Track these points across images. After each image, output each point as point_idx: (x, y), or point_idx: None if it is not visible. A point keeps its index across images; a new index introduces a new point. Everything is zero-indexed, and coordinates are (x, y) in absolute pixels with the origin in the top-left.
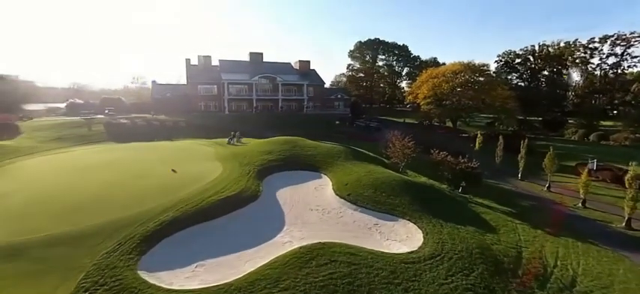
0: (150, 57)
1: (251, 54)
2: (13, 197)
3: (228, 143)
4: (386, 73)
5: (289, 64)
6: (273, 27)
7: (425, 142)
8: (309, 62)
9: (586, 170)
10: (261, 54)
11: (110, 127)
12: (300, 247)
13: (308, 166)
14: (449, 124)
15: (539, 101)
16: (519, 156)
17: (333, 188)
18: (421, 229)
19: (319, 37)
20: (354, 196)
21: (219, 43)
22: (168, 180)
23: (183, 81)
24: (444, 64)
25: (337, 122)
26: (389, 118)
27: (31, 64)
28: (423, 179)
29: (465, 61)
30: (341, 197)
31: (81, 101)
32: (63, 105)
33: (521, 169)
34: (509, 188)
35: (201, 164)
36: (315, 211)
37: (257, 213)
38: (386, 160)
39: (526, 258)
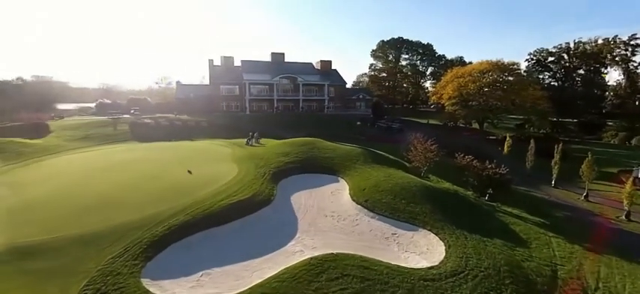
0: (176, 58)
1: (273, 54)
2: (27, 197)
3: (247, 144)
4: (409, 73)
5: (310, 64)
6: (296, 28)
7: (449, 145)
8: (330, 62)
9: (631, 178)
10: (283, 54)
11: (134, 127)
12: (311, 258)
13: (325, 168)
14: (475, 125)
15: (574, 102)
16: (553, 161)
17: (349, 193)
18: (443, 241)
19: (342, 38)
20: (372, 202)
21: (242, 44)
22: (183, 182)
23: (207, 82)
24: (470, 63)
25: (358, 123)
26: (412, 119)
27: (65, 66)
28: (447, 185)
29: (494, 59)
30: (358, 203)
31: (109, 101)
32: (93, 105)
33: (554, 175)
34: (541, 196)
35: (217, 166)
36: (330, 218)
37: (269, 218)
38: (407, 164)
39: (562, 278)
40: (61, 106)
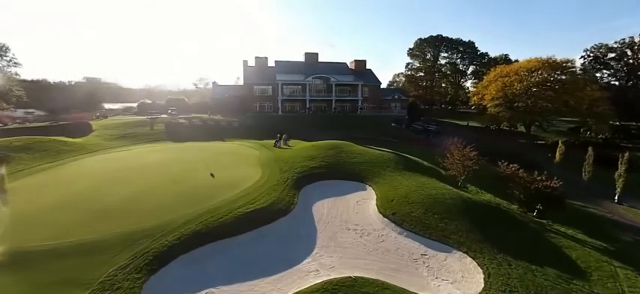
0: (216, 59)
1: (306, 54)
2: (47, 199)
3: (274, 146)
4: (448, 72)
5: (344, 64)
6: (331, 27)
7: (491, 150)
8: (364, 62)
9: None
10: (316, 54)
11: (170, 127)
12: (325, 282)
13: (352, 175)
14: (521, 129)
15: None
16: (617, 173)
17: (376, 204)
18: (481, 268)
19: (378, 37)
20: (400, 215)
21: (277, 44)
22: (203, 186)
23: (241, 82)
24: (516, 61)
25: (392, 124)
26: (450, 121)
27: (114, 69)
28: (487, 197)
29: (544, 56)
30: (384, 216)
31: (149, 101)
32: (135, 105)
33: (618, 189)
34: (602, 214)
35: (240, 169)
36: (353, 232)
37: (287, 230)
38: (442, 172)
39: None
40: (108, 106)
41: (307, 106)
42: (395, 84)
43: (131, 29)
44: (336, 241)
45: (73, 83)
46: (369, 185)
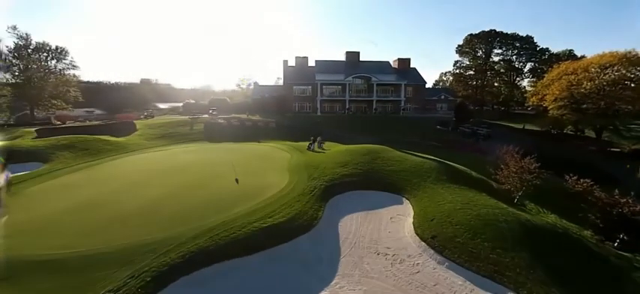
0: (261, 60)
1: (347, 53)
2: (69, 202)
3: (308, 149)
4: (502, 70)
5: (387, 62)
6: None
7: (553, 159)
8: (408, 60)
9: None
10: (358, 53)
11: (208, 127)
12: None
13: (387, 185)
14: (589, 133)
15: None
16: None
17: (413, 223)
18: None
19: (424, 34)
20: (442, 239)
21: (320, 43)
22: (225, 193)
23: (282, 82)
24: (582, 57)
25: (438, 127)
26: (503, 124)
27: (169, 70)
28: (551, 219)
29: (621, 50)
30: (423, 239)
31: (193, 101)
32: (181, 104)
33: None
34: None
35: (267, 175)
36: (383, 257)
37: (306, 251)
38: (494, 184)
39: None
40: (161, 106)
41: (347, 106)
42: (441, 83)
43: (185, 33)
44: (362, 269)
45: (125, 84)
46: (407, 198)
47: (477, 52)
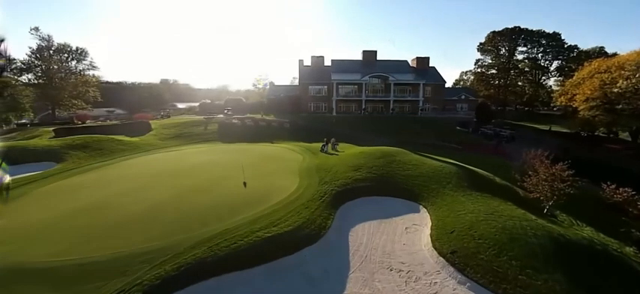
0: (278, 60)
1: (364, 52)
2: (72, 205)
3: (321, 151)
4: (526, 69)
5: (405, 61)
6: (396, 22)
7: (585, 164)
8: (427, 59)
9: None
10: (375, 52)
11: (222, 127)
12: None
13: (403, 191)
14: (623, 136)
15: None
16: None
17: (430, 235)
18: None
19: (444, 32)
20: (463, 256)
21: (337, 43)
22: (231, 197)
23: (297, 82)
24: (614, 54)
25: (457, 128)
26: (527, 125)
27: (188, 70)
28: (587, 232)
29: None
30: (441, 254)
31: (209, 101)
32: (197, 104)
33: None
34: None
35: (277, 178)
36: (397, 274)
37: (312, 264)
38: (521, 192)
39: None
40: (180, 105)
41: (363, 106)
42: (461, 83)
43: (204, 33)
44: (373, 288)
45: (144, 85)
46: (424, 206)
47: (500, 50)
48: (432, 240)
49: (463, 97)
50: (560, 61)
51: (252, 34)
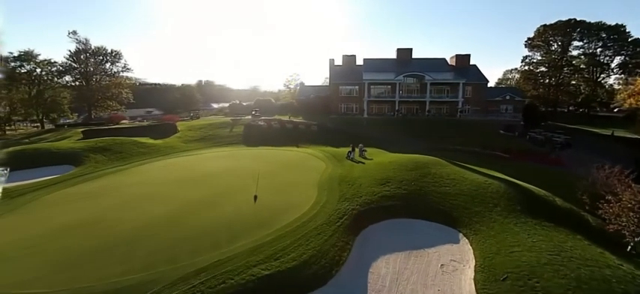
0: (312, 59)
1: (398, 50)
2: (65, 217)
3: (347, 158)
4: (582, 66)
5: (443, 59)
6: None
7: None
8: (468, 57)
9: None
10: (410, 50)
11: (248, 129)
12: None
13: (439, 213)
14: None
15: None
16: None
17: (474, 280)
18: None
19: (487, 27)
20: None
21: (372, 41)
22: (236, 216)
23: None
24: None
25: (501, 132)
26: (583, 129)
27: (227, 71)
28: None
29: None
30: None
31: (237, 101)
32: (227, 105)
33: None
34: None
35: (293, 191)
36: None
37: None
38: (591, 219)
39: None
40: (215, 106)
41: (396, 108)
42: (505, 82)
43: (240, 33)
44: None
45: (179, 86)
46: (464, 235)
47: (552, 45)
48: (476, 288)
49: (508, 97)
50: (623, 57)
51: (287, 32)
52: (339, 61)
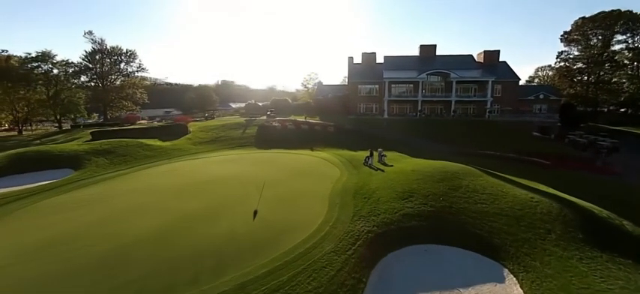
0: (330, 59)
1: (421, 47)
2: (41, 233)
3: (365, 164)
4: (626, 62)
5: (470, 56)
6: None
7: None
8: (497, 53)
9: None
10: (434, 47)
11: (261, 131)
12: None
13: (475, 239)
14: None
15: None
16: None
17: None
18: None
19: (517, 20)
20: None
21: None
22: (225, 238)
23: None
24: None
25: (535, 134)
26: (630, 131)
27: (247, 70)
28: None
29: None
30: None
31: (253, 101)
32: (243, 105)
33: None
34: None
35: (300, 205)
36: None
37: None
38: None
39: None
40: (233, 105)
41: (419, 108)
42: (537, 80)
43: (260, 34)
44: None
45: (196, 86)
46: (511, 272)
47: (591, 39)
48: None
49: (541, 96)
50: None
51: (307, 32)
52: (358, 60)
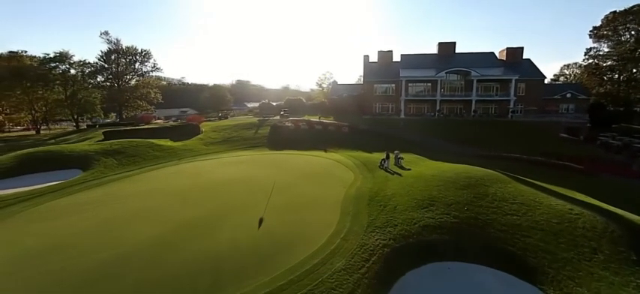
0: (345, 58)
1: (440, 45)
2: (32, 240)
3: (380, 167)
4: None
5: (492, 53)
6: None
7: None
8: (520, 50)
9: None
10: (453, 44)
11: (274, 131)
12: None
13: (507, 257)
14: None
15: None
16: None
17: None
18: None
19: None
20: None
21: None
22: (225, 251)
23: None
24: None
25: (562, 135)
26: None
27: (263, 70)
28: None
29: None
30: None
31: (266, 101)
32: (258, 104)
33: None
34: None
35: (309, 212)
36: None
37: None
38: None
39: None
40: (249, 105)
41: (437, 108)
42: (563, 78)
43: (276, 34)
44: None
45: (211, 86)
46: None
47: (623, 34)
48: None
49: (569, 95)
50: None
51: (322, 31)
52: (374, 58)
